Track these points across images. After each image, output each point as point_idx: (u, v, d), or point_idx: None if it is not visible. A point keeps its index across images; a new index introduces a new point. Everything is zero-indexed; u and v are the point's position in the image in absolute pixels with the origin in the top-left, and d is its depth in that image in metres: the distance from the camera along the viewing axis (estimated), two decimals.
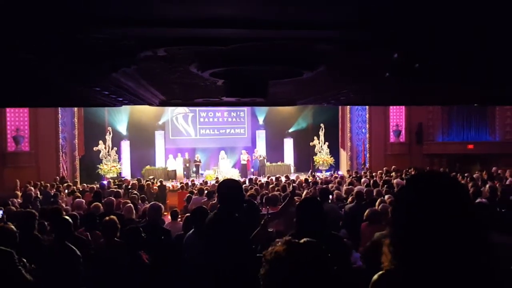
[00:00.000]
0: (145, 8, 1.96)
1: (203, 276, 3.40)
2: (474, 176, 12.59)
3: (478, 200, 6.11)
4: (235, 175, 19.00)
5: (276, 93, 5.44)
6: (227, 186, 3.40)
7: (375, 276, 1.37)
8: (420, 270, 1.18)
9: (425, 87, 5.16)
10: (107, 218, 4.83)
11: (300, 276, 1.34)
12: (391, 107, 18.86)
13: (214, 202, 8.06)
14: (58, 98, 6.84)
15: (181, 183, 15.97)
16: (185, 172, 19.79)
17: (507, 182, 11.13)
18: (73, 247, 4.03)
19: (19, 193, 11.62)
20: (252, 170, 20.40)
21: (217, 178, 16.81)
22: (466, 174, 12.63)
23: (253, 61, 3.17)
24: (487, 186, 8.54)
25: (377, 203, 6.60)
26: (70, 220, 4.34)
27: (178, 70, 3.75)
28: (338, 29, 2.51)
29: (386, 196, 7.52)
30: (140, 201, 9.26)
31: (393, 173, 14.61)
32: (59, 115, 16.72)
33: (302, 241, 1.46)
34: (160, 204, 5.51)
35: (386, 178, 12.54)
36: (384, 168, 16.10)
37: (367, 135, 19.58)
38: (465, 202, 1.22)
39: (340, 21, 2.43)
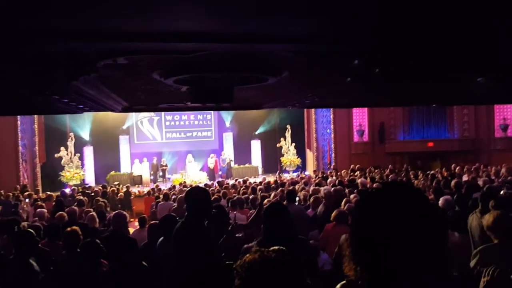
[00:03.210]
0: (103, 22, 1.92)
1: (175, 284, 3.37)
2: (433, 173, 13.02)
3: (442, 198, 6.26)
4: (203, 178, 18.87)
5: (241, 98, 5.45)
6: (194, 194, 3.38)
7: (338, 286, 1.38)
8: (383, 279, 1.20)
9: (386, 90, 5.29)
10: (68, 229, 4.68)
11: (272, 284, 1.35)
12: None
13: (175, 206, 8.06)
14: (15, 106, 6.59)
15: (149, 189, 15.71)
16: (152, 177, 19.47)
17: (464, 179, 11.53)
18: (33, 263, 3.86)
19: None
20: (220, 173, 20.31)
21: (184, 182, 16.63)
22: (431, 172, 13.05)
23: (217, 68, 3.17)
24: (453, 181, 8.80)
25: (342, 203, 6.72)
26: (32, 232, 4.15)
27: (141, 77, 3.69)
28: (300, 42, 2.54)
29: (352, 196, 7.64)
30: (108, 209, 9.05)
31: (357, 172, 14.91)
32: (18, 122, 16.11)
33: (272, 249, 1.48)
34: (125, 213, 5.39)
35: (351, 177, 12.76)
36: (351, 166, 16.44)
37: (332, 136, 19.95)
38: (424, 208, 1.23)
39: (302, 35, 2.46)
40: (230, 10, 2.02)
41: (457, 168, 13.81)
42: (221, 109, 11.86)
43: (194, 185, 12.42)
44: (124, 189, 14.34)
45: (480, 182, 10.01)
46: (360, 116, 19.93)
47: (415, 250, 1.17)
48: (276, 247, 1.49)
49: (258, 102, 7.10)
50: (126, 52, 2.50)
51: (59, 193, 12.84)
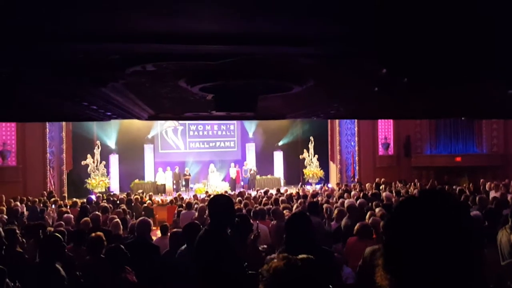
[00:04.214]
0: (128, 23, 1.96)
1: None
2: (461, 188, 12.71)
3: (471, 213, 6.12)
4: (225, 188, 18.89)
5: (265, 107, 5.45)
6: (218, 202, 3.36)
7: None
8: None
9: (413, 100, 5.20)
10: (93, 234, 4.74)
11: None
12: (379, 120, 19.04)
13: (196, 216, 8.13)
14: (45, 113, 6.77)
15: (171, 198, 15.79)
16: (174, 186, 19.62)
17: (492, 195, 11.21)
18: (60, 268, 3.90)
19: (4, 209, 11.39)
20: (242, 183, 20.31)
21: (207, 191, 16.69)
22: (459, 187, 12.74)
23: (243, 76, 3.18)
24: (477, 197, 8.59)
25: (367, 217, 6.61)
26: (59, 237, 4.20)
27: (167, 84, 3.73)
28: (323, 45, 2.52)
29: (377, 210, 7.50)
30: (128, 216, 9.15)
31: (382, 186, 14.65)
32: (47, 129, 16.56)
33: (300, 257, 1.47)
34: (149, 220, 5.42)
35: (376, 191, 12.55)
36: (376, 179, 16.15)
37: (356, 148, 19.69)
38: (462, 221, 1.20)
39: (325, 37, 2.45)
40: (252, 10, 2.02)
41: (487, 184, 13.42)
42: (245, 118, 11.90)
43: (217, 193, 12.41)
44: (147, 198, 14.46)
45: (509, 198, 9.73)
46: (385, 129, 19.64)
47: (453, 260, 1.14)
48: (304, 255, 1.47)
49: (282, 112, 7.08)
50: (153, 58, 2.53)
51: (85, 200, 13.06)
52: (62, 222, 7.87)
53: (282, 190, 15.47)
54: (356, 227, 5.72)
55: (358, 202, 8.82)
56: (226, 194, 10.44)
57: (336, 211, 7.76)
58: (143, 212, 11.88)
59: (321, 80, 3.66)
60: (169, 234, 6.52)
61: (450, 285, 1.14)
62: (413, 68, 3.00)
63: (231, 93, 3.68)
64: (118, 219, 7.32)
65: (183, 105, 5.27)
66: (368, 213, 6.96)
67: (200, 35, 2.13)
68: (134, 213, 10.97)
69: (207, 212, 8.42)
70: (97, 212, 7.92)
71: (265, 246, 5.66)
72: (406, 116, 8.16)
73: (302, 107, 6.35)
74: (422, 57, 2.84)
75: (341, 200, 9.82)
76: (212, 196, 4.15)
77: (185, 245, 4.43)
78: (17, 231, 5.10)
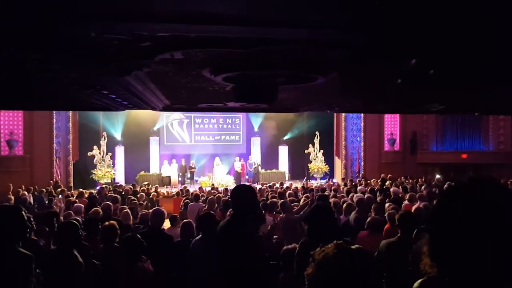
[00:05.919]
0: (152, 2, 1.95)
1: (215, 283, 3.35)
2: None
3: None
4: (230, 182, 18.92)
5: (282, 99, 5.43)
6: (241, 192, 3.35)
7: (416, 284, 1.36)
8: (466, 278, 1.16)
9: (434, 95, 5.17)
10: (106, 223, 4.74)
11: (346, 279, 1.34)
12: (386, 115, 18.97)
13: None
14: (61, 101, 6.76)
15: (177, 190, 15.83)
16: (180, 179, 19.66)
17: None
18: (77, 254, 3.91)
19: (12, 198, 11.45)
20: (246, 177, 20.32)
21: (212, 184, 16.74)
22: None
23: (269, 65, 3.16)
24: None
25: (372, 210, 6.69)
26: (77, 224, 4.21)
27: (190, 74, 3.72)
28: (350, 33, 2.50)
29: (387, 205, 7.51)
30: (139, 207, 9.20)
31: (388, 182, 14.63)
32: (54, 119, 16.59)
33: (354, 247, 1.48)
34: (163, 210, 5.43)
35: (385, 187, 12.59)
36: (382, 175, 16.12)
37: (362, 144, 19.65)
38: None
39: (351, 24, 2.43)
40: None
41: None
42: (259, 110, 11.86)
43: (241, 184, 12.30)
44: (153, 190, 14.49)
45: None
46: (391, 125, 19.58)
47: (504, 248, 1.13)
48: (356, 245, 1.48)
49: (297, 105, 7.07)
50: (185, 44, 2.51)
51: (93, 190, 13.11)
52: (71, 212, 7.90)
53: (287, 184, 15.48)
54: (367, 221, 5.73)
55: (366, 196, 8.83)
56: (248, 184, 10.42)
57: (345, 205, 7.77)
58: (149, 204, 11.92)
59: (345, 71, 3.63)
60: (180, 224, 6.56)
61: (500, 273, 1.14)
62: (441, 60, 2.99)
63: (253, 84, 3.67)
64: (128, 210, 7.35)
65: (200, 95, 5.27)
66: (373, 206, 7.03)
67: (223, 16, 2.12)
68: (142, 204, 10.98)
69: (216, 205, 8.53)
70: (108, 202, 7.95)
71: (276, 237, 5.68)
72: (422, 110, 8.18)
73: (319, 100, 6.33)
74: (451, 48, 2.82)
75: (350, 194, 9.85)
76: (235, 186, 4.14)
77: (200, 235, 4.45)
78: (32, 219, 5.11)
